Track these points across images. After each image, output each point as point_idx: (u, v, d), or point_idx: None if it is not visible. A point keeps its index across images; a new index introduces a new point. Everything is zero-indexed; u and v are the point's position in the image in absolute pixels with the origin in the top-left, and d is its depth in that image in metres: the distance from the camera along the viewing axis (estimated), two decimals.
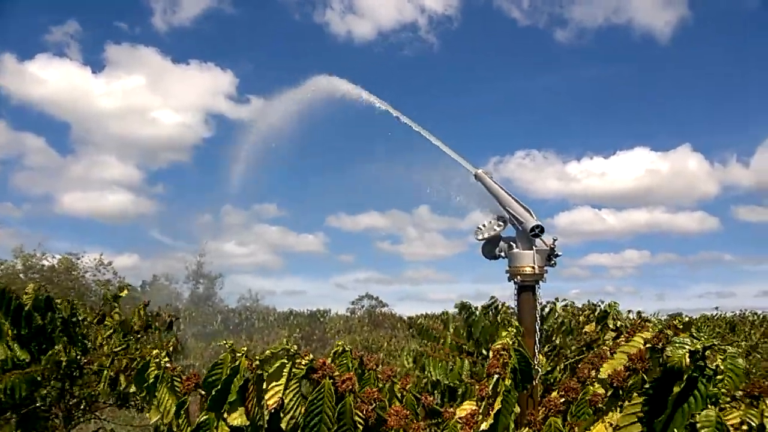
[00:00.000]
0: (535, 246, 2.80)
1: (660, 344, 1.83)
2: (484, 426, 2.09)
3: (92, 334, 6.98)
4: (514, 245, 2.85)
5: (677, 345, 1.53)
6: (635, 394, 1.68)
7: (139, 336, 7.35)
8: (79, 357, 6.78)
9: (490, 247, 2.95)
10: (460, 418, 2.17)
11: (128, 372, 6.83)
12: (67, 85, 40.84)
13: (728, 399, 1.57)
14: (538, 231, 2.77)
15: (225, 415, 1.78)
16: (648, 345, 1.91)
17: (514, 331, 2.31)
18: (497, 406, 2.13)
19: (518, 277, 2.80)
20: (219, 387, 1.73)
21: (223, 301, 30.80)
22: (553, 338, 6.64)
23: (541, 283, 2.82)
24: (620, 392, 1.86)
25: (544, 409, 2.21)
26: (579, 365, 2.43)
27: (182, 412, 1.98)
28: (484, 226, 2.97)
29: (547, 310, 7.03)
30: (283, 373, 1.75)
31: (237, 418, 1.75)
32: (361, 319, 30.44)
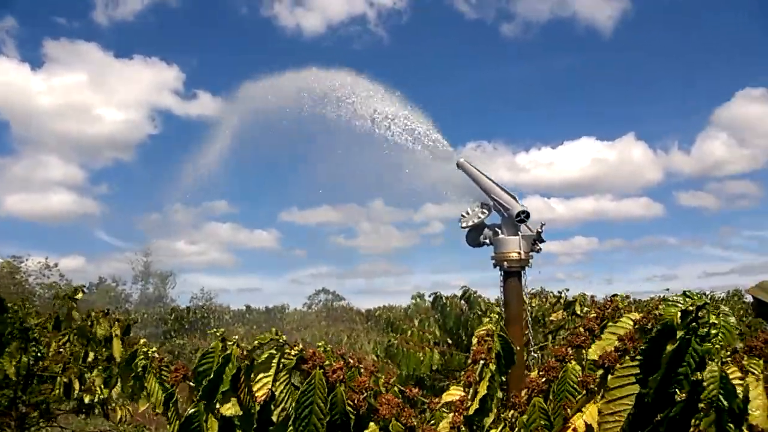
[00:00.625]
0: (521, 231, 2.80)
1: (649, 324, 1.86)
2: (471, 410, 2.10)
3: (46, 339, 6.70)
4: (499, 231, 2.85)
5: (670, 303, 1.56)
6: (627, 357, 1.70)
7: (102, 344, 7.10)
8: (32, 363, 6.51)
9: (475, 235, 2.94)
10: (446, 403, 2.17)
11: (83, 380, 6.61)
12: (5, 82, 39.08)
13: (727, 354, 1.60)
14: (524, 216, 2.78)
15: (217, 405, 1.72)
16: (637, 326, 1.93)
17: (497, 317, 2.32)
18: (482, 391, 2.13)
19: (505, 263, 2.80)
20: (211, 376, 1.67)
21: (175, 300, 30.13)
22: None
23: (527, 269, 2.83)
24: (612, 372, 1.88)
25: (526, 390, 2.23)
26: (554, 347, 2.46)
27: (171, 404, 1.92)
28: (467, 213, 2.97)
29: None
30: (272, 364, 1.70)
31: (230, 408, 1.69)
32: (319, 314, 30.31)
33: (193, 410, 1.76)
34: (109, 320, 7.47)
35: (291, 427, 1.64)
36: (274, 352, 1.71)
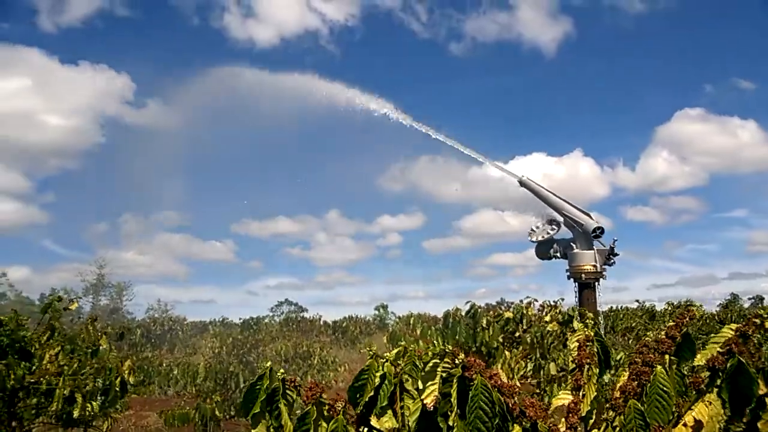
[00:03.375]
0: (595, 246, 2.97)
1: (750, 331, 2.05)
2: (583, 412, 2.26)
3: (39, 352, 6.50)
4: (573, 246, 3.02)
5: None
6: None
7: (89, 352, 6.93)
8: (25, 376, 6.30)
9: (545, 249, 3.11)
10: (560, 407, 2.32)
11: (86, 391, 6.43)
12: None
13: None
14: (599, 232, 2.95)
15: (373, 420, 1.81)
16: (738, 333, 2.12)
17: (591, 323, 2.49)
18: (592, 393, 2.29)
19: (582, 275, 2.97)
20: (371, 394, 1.76)
21: (132, 313, 29.28)
22: (521, 338, 6.98)
23: (602, 281, 3.00)
24: (720, 374, 2.07)
25: (621, 393, 2.39)
26: (638, 352, 2.61)
27: (310, 421, 1.94)
28: (536, 228, 3.13)
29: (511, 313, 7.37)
30: (437, 372, 1.80)
31: (387, 422, 1.78)
32: (284, 325, 29.95)
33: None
34: (97, 330, 7.33)
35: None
36: (438, 361, 1.81)
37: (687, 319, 2.57)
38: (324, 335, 26.97)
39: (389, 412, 1.81)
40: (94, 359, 6.97)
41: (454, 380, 1.77)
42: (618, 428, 2.33)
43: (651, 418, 2.28)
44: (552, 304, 7.34)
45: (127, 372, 6.57)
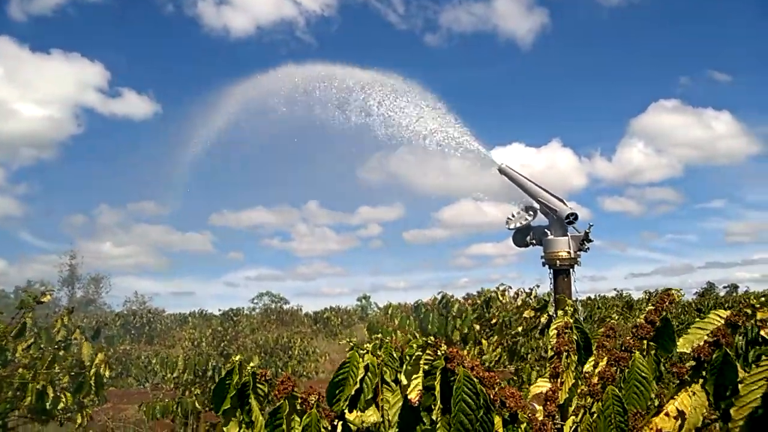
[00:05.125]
0: (569, 232, 2.98)
1: (739, 321, 2.06)
2: (561, 399, 2.27)
3: (12, 345, 6.37)
4: (548, 232, 3.02)
5: None
6: (764, 357, 1.87)
7: (64, 345, 6.82)
8: None
9: (521, 236, 3.10)
10: (537, 395, 2.32)
11: (57, 384, 6.34)
12: None
13: None
14: (573, 218, 2.96)
15: (348, 414, 1.79)
16: (727, 322, 2.12)
17: (571, 310, 2.49)
18: (570, 380, 2.30)
19: (557, 261, 2.97)
20: (357, 386, 1.74)
21: (109, 305, 28.90)
22: (496, 325, 7.02)
23: (577, 267, 3.01)
24: (705, 365, 2.07)
25: (600, 379, 2.40)
26: (604, 335, 2.61)
27: (282, 417, 1.90)
28: (513, 216, 3.12)
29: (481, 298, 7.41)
30: (420, 365, 1.78)
31: (372, 415, 1.76)
32: (264, 317, 29.82)
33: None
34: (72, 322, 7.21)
35: (440, 426, 1.73)
36: (420, 353, 1.79)
37: (667, 303, 2.58)
38: (305, 326, 26.90)
39: (373, 406, 1.78)
40: (68, 352, 6.87)
41: (437, 373, 1.75)
42: (596, 414, 2.34)
43: (629, 405, 2.29)
44: (527, 291, 7.40)
45: (101, 365, 6.47)
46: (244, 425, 2.06)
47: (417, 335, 7.24)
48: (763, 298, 2.12)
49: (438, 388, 1.73)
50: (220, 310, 30.54)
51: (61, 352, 6.74)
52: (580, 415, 2.36)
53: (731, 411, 1.86)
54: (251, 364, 2.07)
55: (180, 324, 26.57)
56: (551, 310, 6.79)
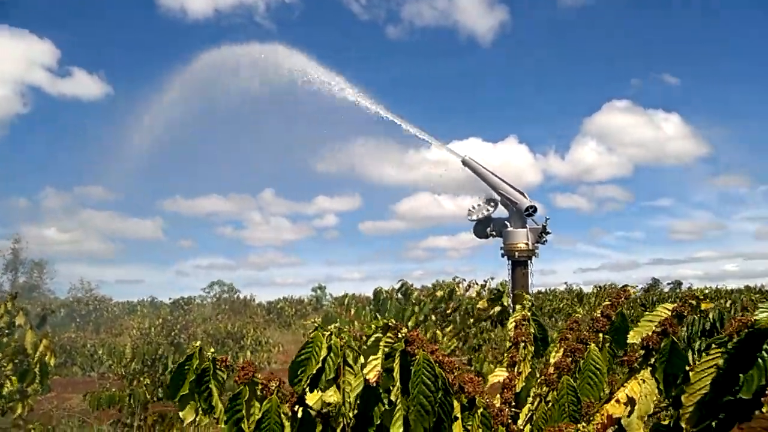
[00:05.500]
0: (528, 225, 3.02)
1: (685, 312, 2.15)
2: (518, 388, 2.32)
3: None
4: (508, 224, 3.06)
5: (761, 310, 1.81)
6: (713, 345, 1.94)
7: (7, 332, 6.58)
8: None
9: (482, 228, 3.14)
10: (495, 383, 2.36)
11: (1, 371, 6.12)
12: None
13: None
14: (532, 211, 3.01)
15: (308, 397, 1.78)
16: (674, 313, 2.20)
17: (529, 304, 2.54)
18: (526, 370, 2.35)
19: (515, 253, 3.02)
20: (320, 365, 1.73)
21: (53, 292, 27.94)
22: (451, 316, 7.11)
23: (534, 258, 3.07)
24: (653, 353, 2.15)
25: (555, 369, 2.46)
26: (568, 328, 2.68)
27: (242, 402, 1.87)
28: (474, 207, 3.15)
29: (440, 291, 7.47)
30: (380, 346, 1.79)
31: (332, 396, 1.76)
32: (216, 306, 29.34)
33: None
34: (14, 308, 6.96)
35: (400, 407, 1.74)
36: (380, 335, 1.80)
37: (623, 299, 2.67)
38: (258, 316, 26.62)
39: (334, 386, 1.78)
40: (11, 338, 6.62)
41: (397, 354, 1.76)
42: (551, 403, 2.40)
43: (583, 395, 2.36)
44: (480, 283, 7.53)
45: (46, 353, 6.26)
46: (201, 411, 2.03)
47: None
48: (707, 291, 2.22)
49: (398, 369, 1.74)
50: (170, 298, 30.01)
51: (4, 339, 6.50)
52: (535, 403, 2.42)
53: (682, 398, 1.93)
54: (210, 351, 2.04)
55: (128, 312, 25.87)
56: (506, 301, 6.94)
